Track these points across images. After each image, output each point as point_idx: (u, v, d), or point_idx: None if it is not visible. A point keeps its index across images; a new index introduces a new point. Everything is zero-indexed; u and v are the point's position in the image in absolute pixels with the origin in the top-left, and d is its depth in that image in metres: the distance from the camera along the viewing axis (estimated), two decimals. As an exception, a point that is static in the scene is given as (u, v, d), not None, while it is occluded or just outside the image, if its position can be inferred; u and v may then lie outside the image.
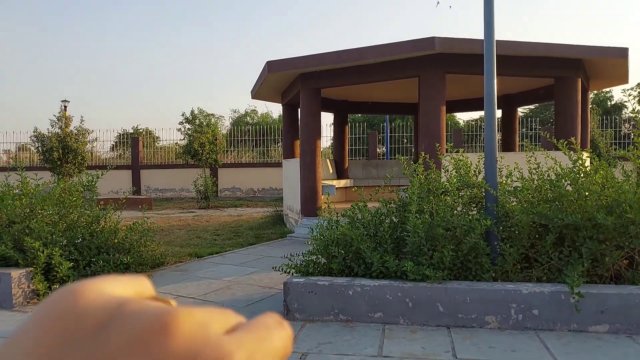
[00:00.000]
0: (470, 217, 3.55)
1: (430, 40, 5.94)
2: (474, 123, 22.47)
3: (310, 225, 7.35)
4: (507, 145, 9.85)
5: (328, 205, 4.11)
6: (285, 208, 9.74)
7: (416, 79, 7.53)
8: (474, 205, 3.99)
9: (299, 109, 8.08)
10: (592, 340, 3.08)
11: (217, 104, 60.05)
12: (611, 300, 3.17)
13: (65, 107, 15.13)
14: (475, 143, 19.54)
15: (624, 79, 8.03)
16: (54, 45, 57.64)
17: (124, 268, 4.73)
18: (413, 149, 18.79)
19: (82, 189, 5.11)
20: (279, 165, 16.88)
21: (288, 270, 3.92)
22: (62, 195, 4.87)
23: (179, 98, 54.26)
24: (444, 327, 3.34)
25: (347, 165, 11.01)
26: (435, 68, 6.33)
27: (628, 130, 20.99)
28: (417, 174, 3.99)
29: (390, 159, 18.37)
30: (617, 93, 32.92)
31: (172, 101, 54.78)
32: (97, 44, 57.77)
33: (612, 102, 30.16)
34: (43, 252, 4.18)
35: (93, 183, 5.17)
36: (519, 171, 4.10)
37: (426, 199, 3.82)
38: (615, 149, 13.33)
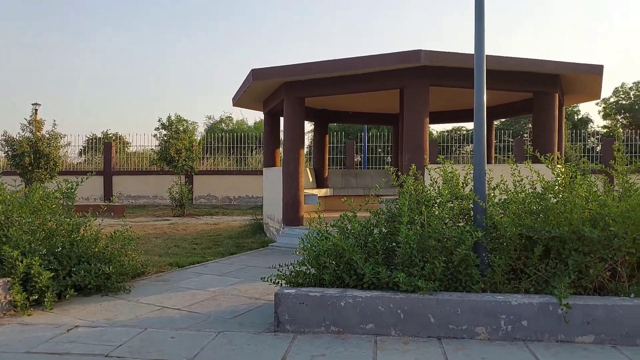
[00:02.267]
0: (461, 228, 3.59)
1: (417, 53, 6.04)
2: (446, 134, 22.85)
3: (292, 234, 7.33)
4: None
5: (319, 215, 4.10)
6: (265, 217, 9.66)
7: (396, 90, 7.63)
8: (461, 216, 4.04)
9: (282, 118, 8.07)
10: (579, 350, 3.15)
11: (189, 110, 59.41)
12: (597, 311, 3.25)
13: (36, 110, 14.68)
14: (449, 154, 19.88)
15: (597, 95, 8.34)
16: (21, 47, 56.07)
17: (105, 278, 4.60)
18: (390, 159, 18.98)
19: (60, 196, 4.96)
20: (255, 172, 16.78)
21: (277, 281, 3.88)
22: (41, 202, 4.71)
23: (148, 103, 53.44)
24: (435, 339, 3.36)
25: (326, 174, 11.02)
26: (420, 80, 6.42)
27: (593, 144, 21.77)
28: (408, 186, 4.02)
29: (367, 168, 18.50)
30: (583, 107, 34.11)
31: (142, 107, 53.92)
32: (63, 48, 56.47)
33: (579, 117, 31.26)
34: (22, 261, 4.02)
35: (72, 190, 5.02)
36: (503, 183, 4.19)
37: (416, 210, 3.85)
38: (584, 162, 13.77)
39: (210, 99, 56.56)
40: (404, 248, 3.55)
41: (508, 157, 4.48)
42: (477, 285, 3.53)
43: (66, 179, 5.13)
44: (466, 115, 11.11)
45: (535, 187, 3.93)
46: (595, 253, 3.50)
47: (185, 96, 55.58)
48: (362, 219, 4.08)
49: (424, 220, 3.71)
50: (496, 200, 4.00)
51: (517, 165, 4.28)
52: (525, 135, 27.95)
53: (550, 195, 3.80)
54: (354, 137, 22.56)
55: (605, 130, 30.18)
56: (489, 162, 9.81)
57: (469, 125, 27.49)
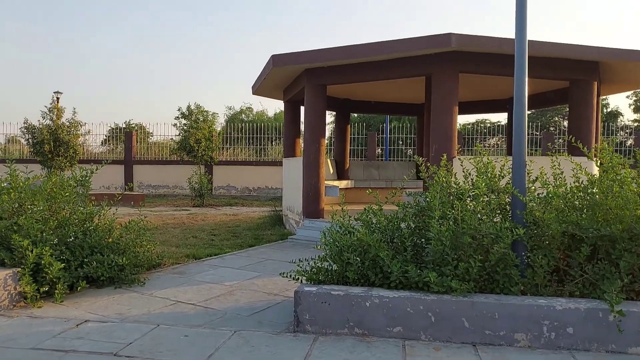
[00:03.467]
0: (499, 224, 3.28)
1: (447, 37, 5.68)
2: (470, 127, 22.24)
3: (312, 227, 7.08)
4: (512, 149, 9.62)
5: (342, 208, 3.83)
6: (284, 208, 9.44)
7: (421, 78, 7.28)
8: (498, 211, 3.72)
9: (303, 106, 7.79)
10: (633, 363, 2.83)
11: (209, 100, 59.54)
12: (653, 319, 2.92)
13: (57, 98, 14.68)
14: (471, 147, 19.34)
15: (637, 84, 7.83)
16: (43, 36, 56.89)
17: (118, 270, 4.42)
18: (412, 151, 18.55)
19: (75, 184, 4.79)
20: (275, 164, 16.57)
21: (297, 277, 3.64)
22: (54, 190, 4.55)
23: (170, 93, 53.67)
24: (470, 345, 3.08)
25: (347, 165, 10.73)
26: (450, 66, 6.06)
27: (624, 138, 20.97)
28: (439, 177, 3.72)
29: (388, 160, 18.14)
30: (612, 101, 32.97)
31: (163, 96, 54.24)
32: (87, 37, 57.02)
33: (608, 110, 30.21)
34: (32, 251, 3.85)
35: (87, 178, 4.85)
36: (543, 176, 3.85)
37: (448, 203, 3.56)
38: (637, 154, 13.24)
39: (231, 89, 56.58)
40: (435, 245, 3.26)
41: (536, 150, 4.13)
42: (515, 287, 3.23)
43: (82, 167, 4.97)
44: (489, 106, 10.67)
45: (582, 181, 3.58)
46: (650, 254, 3.16)
47: (206, 86, 55.72)
48: (387, 213, 3.80)
49: (458, 215, 3.41)
50: (536, 194, 3.67)
51: (557, 158, 3.93)
52: (552, 128, 27.13)
53: (596, 189, 3.46)
54: (374, 128, 22.15)
55: (636, 125, 29.12)
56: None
57: (493, 117, 26.80)
